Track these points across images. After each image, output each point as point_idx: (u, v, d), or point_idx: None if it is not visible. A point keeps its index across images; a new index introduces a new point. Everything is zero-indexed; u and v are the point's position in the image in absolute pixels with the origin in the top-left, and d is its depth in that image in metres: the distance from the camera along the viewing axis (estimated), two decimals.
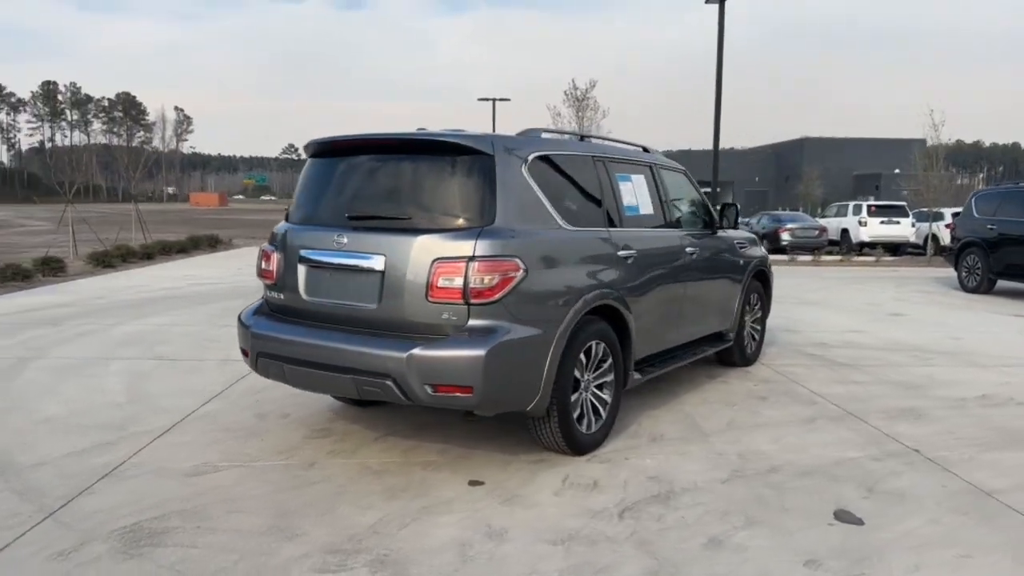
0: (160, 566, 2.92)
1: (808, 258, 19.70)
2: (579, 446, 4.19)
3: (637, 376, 4.75)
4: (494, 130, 17.90)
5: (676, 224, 5.40)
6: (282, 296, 4.22)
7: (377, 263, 3.76)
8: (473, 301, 3.60)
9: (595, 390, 4.36)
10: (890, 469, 4.11)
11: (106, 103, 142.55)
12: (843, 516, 3.49)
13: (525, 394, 3.79)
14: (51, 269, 12.46)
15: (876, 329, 8.60)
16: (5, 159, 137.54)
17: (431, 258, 3.63)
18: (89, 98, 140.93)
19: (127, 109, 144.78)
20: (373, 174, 4.06)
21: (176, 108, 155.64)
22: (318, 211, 4.21)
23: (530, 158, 4.02)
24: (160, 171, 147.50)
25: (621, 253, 4.52)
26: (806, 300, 11.21)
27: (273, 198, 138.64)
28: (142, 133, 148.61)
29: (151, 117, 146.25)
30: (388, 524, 3.33)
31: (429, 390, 3.56)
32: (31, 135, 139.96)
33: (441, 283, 3.60)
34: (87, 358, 6.47)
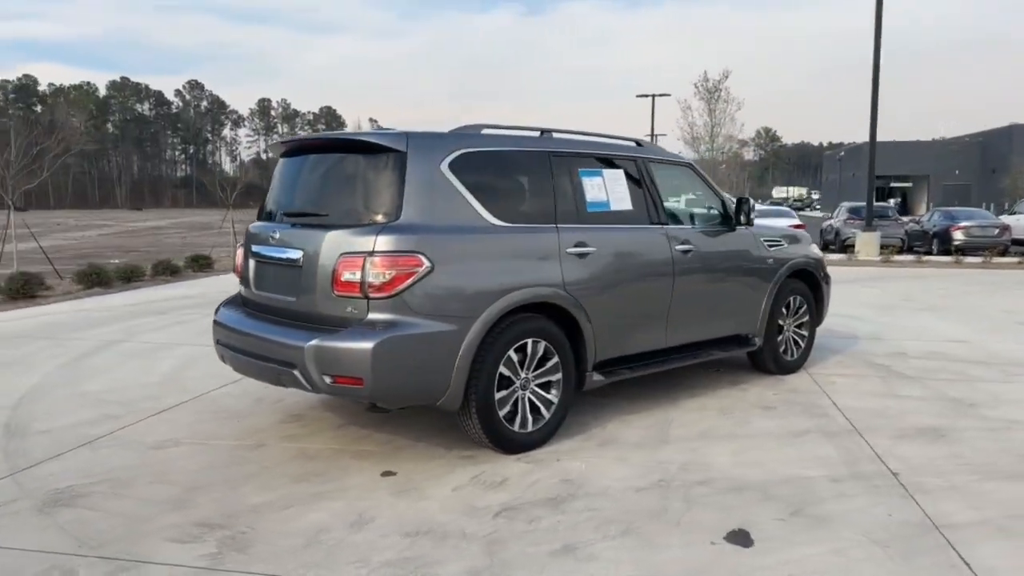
0: (55, 523, 3.31)
1: (977, 259, 17.52)
2: (508, 444, 4.14)
3: (598, 378, 4.60)
4: (653, 127, 17.69)
5: (666, 221, 5.11)
6: (243, 289, 4.56)
7: (296, 257, 3.97)
8: (371, 295, 3.69)
9: (537, 389, 4.28)
10: (840, 491, 3.68)
11: (311, 116, 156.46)
12: (735, 537, 3.20)
13: (432, 388, 3.83)
14: (199, 266, 14.01)
15: (984, 340, 7.55)
16: (230, 169, 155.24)
17: (337, 253, 3.78)
18: (296, 112, 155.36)
19: (329, 121, 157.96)
20: (309, 173, 4.28)
21: (371, 119, 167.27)
22: (271, 209, 4.50)
23: (453, 155, 4.04)
24: None
25: (572, 250, 4.39)
26: (926, 305, 10.04)
27: None
28: None
29: (349, 128, 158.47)
30: (272, 506, 3.51)
31: (328, 380, 3.71)
32: (249, 147, 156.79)
33: (344, 277, 3.74)
34: (163, 344, 7.29)
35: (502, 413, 4.09)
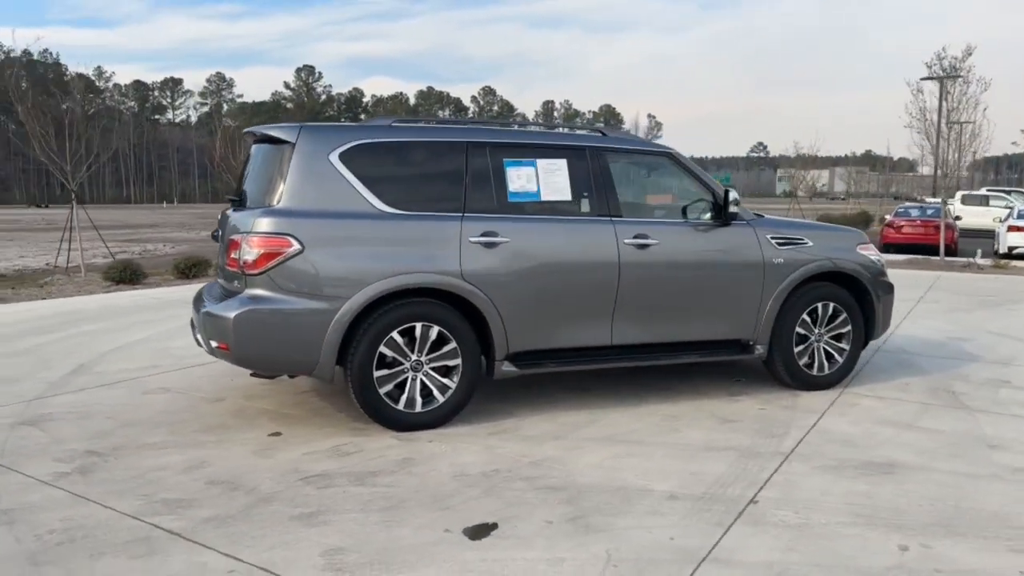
0: (11, 435, 4.26)
1: None
2: (390, 421, 4.34)
3: (509, 368, 4.58)
4: (941, 113, 15.62)
5: (618, 213, 4.84)
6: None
7: (223, 238, 4.55)
8: (246, 272, 4.16)
9: (432, 373, 4.42)
10: (652, 508, 3.36)
11: (590, 115, 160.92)
12: (476, 530, 3.14)
13: (300, 360, 4.19)
14: None
15: None
16: None
17: (232, 233, 4.29)
18: (577, 112, 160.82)
19: (607, 119, 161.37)
20: (250, 162, 4.82)
21: (648, 115, 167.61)
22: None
23: (345, 147, 4.32)
24: None
25: (476, 239, 4.44)
26: None
27: None
28: None
29: (626, 125, 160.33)
30: (153, 446, 4.14)
31: (214, 344, 4.25)
32: None
33: (232, 255, 4.25)
34: None
35: (383, 391, 4.31)
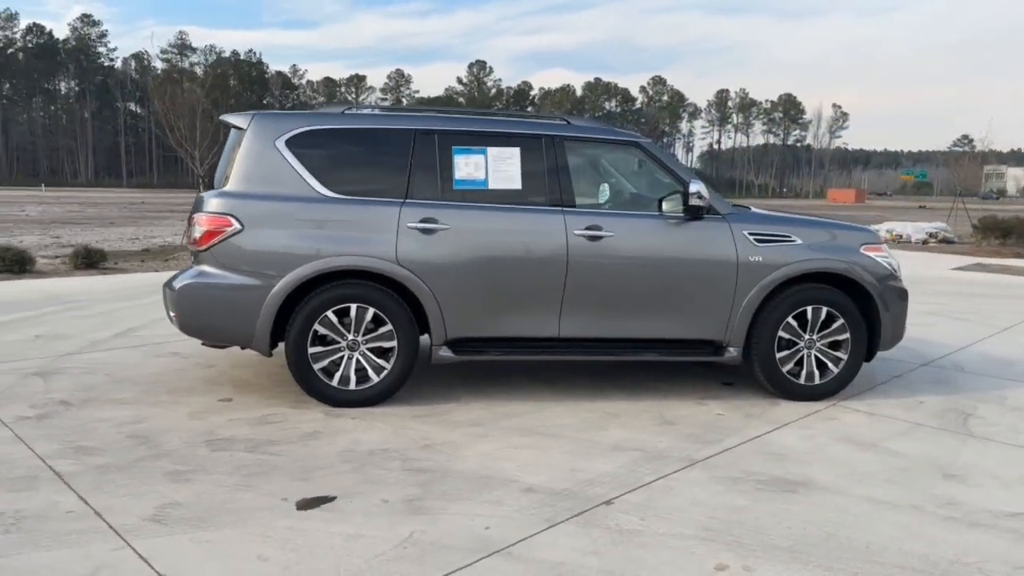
0: (31, 383, 4.94)
1: None
2: (321, 396, 4.56)
3: (446, 353, 4.65)
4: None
5: (571, 203, 4.72)
6: None
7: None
8: (195, 248, 4.53)
9: (368, 353, 4.59)
10: (496, 499, 3.32)
11: (767, 105, 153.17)
12: (308, 502, 3.28)
13: (237, 332, 4.51)
14: None
15: None
16: (685, 160, 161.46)
17: (192, 212, 4.68)
18: (753, 102, 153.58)
19: (787, 110, 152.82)
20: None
21: (834, 105, 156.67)
22: None
23: (292, 133, 4.56)
24: (810, 167, 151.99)
25: (414, 225, 4.53)
26: None
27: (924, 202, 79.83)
28: (797, 131, 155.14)
29: (807, 116, 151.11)
30: (117, 402, 4.63)
31: (171, 313, 4.66)
32: (703, 138, 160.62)
33: (190, 233, 4.64)
34: None
35: (317, 367, 4.53)
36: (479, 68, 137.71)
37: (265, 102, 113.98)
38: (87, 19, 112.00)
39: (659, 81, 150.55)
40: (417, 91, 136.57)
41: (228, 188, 4.53)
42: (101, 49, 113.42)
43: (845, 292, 4.99)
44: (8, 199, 42.59)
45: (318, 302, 4.47)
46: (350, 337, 4.55)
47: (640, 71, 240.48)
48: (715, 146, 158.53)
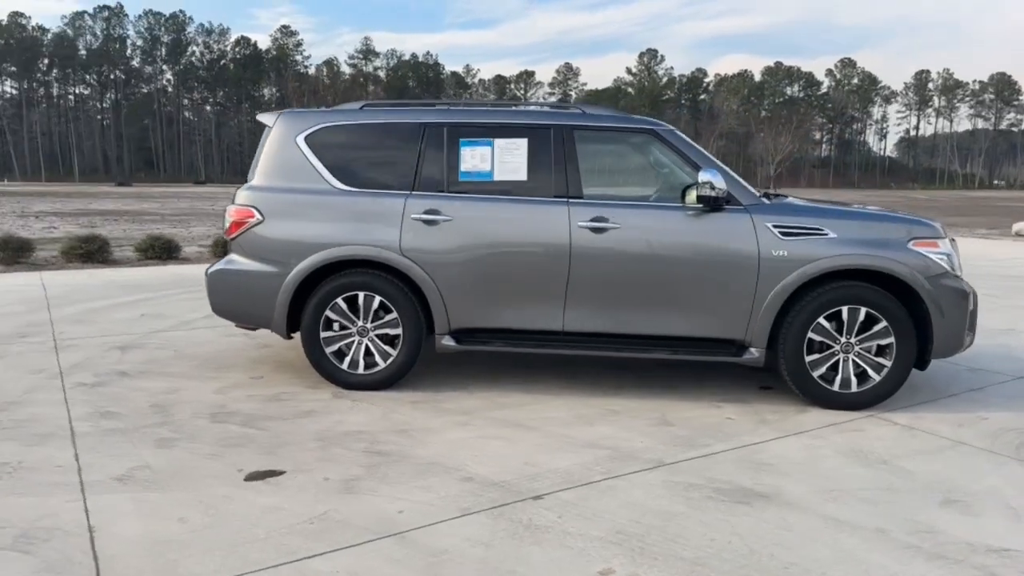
0: (116, 357, 5.64)
1: None
2: (332, 378, 4.81)
3: (449, 342, 4.73)
4: None
5: (578, 194, 4.61)
6: None
7: None
8: (227, 237, 4.94)
9: (376, 339, 4.78)
10: (429, 486, 3.36)
11: (976, 86, 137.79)
12: (258, 474, 3.50)
13: (258, 315, 4.85)
14: None
15: None
16: (877, 148, 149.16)
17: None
18: (959, 83, 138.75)
19: (999, 90, 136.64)
20: None
21: None
22: None
23: (311, 130, 4.83)
24: None
25: (418, 216, 4.65)
26: None
27: None
28: (1012, 114, 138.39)
29: None
30: (158, 373, 5.15)
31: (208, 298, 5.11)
32: (899, 124, 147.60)
33: (224, 223, 5.05)
34: None
35: (329, 350, 4.79)
36: (649, 57, 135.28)
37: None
38: (286, 30, 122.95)
39: (848, 63, 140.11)
40: (585, 84, 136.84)
41: (254, 182, 4.89)
42: (297, 57, 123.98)
43: (891, 292, 4.50)
44: (208, 195, 47.83)
45: (329, 289, 4.72)
46: (359, 323, 4.76)
47: (829, 53, 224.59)
48: (912, 132, 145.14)
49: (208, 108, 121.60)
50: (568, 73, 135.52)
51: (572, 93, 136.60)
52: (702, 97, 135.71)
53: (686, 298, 4.58)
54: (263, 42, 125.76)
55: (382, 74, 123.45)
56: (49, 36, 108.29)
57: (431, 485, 3.40)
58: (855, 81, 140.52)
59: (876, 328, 4.51)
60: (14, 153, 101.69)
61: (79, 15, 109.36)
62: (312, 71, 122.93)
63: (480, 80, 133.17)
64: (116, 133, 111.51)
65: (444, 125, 4.80)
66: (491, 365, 5.42)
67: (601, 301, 4.64)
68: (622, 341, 4.71)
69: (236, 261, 4.88)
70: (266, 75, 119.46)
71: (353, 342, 4.80)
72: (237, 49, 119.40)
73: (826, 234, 4.51)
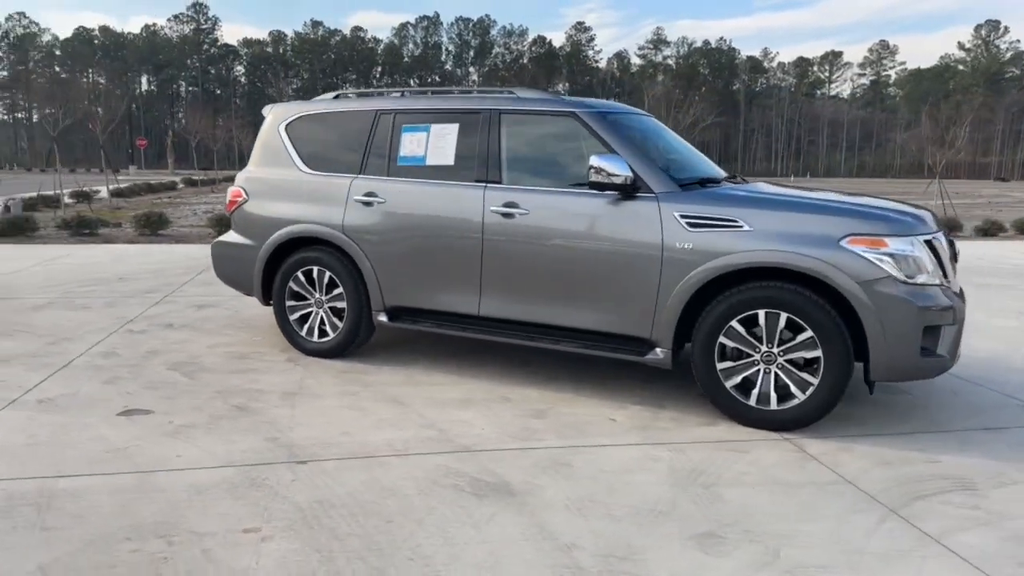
0: (144, 305, 6.80)
1: None
2: (296, 345, 5.32)
3: (383, 319, 4.98)
4: None
5: (497, 179, 4.53)
6: None
7: None
8: (227, 213, 5.69)
9: (329, 312, 5.20)
10: (272, 433, 3.71)
11: None
12: (130, 411, 4.13)
13: (244, 285, 5.52)
14: None
15: None
16: None
17: None
18: None
19: None
20: None
21: None
22: None
23: (291, 118, 5.35)
24: None
25: (359, 198, 4.96)
26: None
27: None
28: None
29: None
30: (200, 333, 6.08)
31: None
32: None
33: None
34: None
35: (292, 318, 5.31)
36: (989, 29, 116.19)
37: (735, 87, 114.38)
38: (580, 26, 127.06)
39: None
40: (903, 63, 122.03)
41: (248, 167, 5.58)
42: (589, 52, 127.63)
43: (824, 297, 3.81)
44: None
45: (291, 262, 5.23)
46: (316, 295, 5.22)
47: None
48: None
49: None
50: (883, 52, 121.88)
51: (889, 73, 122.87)
52: None
53: (592, 289, 4.31)
54: (558, 40, 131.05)
55: (672, 63, 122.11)
56: (381, 46, 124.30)
57: (236, 439, 3.73)
58: None
59: (801, 338, 3.85)
60: None
61: (403, 26, 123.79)
62: (603, 64, 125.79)
63: (779, 63, 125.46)
64: None
65: (392, 112, 5.03)
66: (461, 346, 5.54)
67: (511, 288, 4.55)
68: (531, 330, 4.56)
69: (231, 235, 5.62)
70: (559, 71, 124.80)
71: (310, 312, 5.27)
72: (533, 48, 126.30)
73: (740, 226, 3.94)
